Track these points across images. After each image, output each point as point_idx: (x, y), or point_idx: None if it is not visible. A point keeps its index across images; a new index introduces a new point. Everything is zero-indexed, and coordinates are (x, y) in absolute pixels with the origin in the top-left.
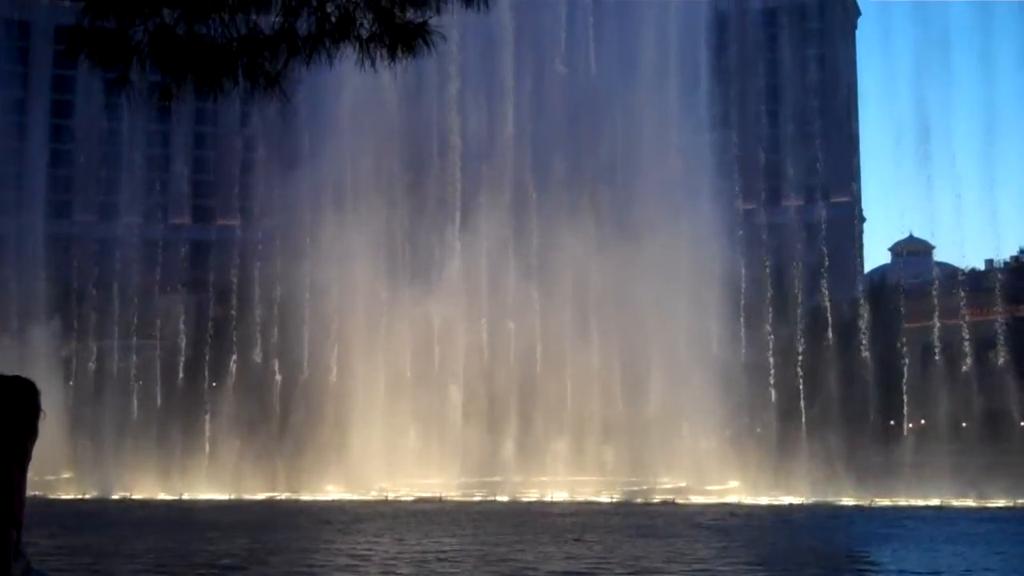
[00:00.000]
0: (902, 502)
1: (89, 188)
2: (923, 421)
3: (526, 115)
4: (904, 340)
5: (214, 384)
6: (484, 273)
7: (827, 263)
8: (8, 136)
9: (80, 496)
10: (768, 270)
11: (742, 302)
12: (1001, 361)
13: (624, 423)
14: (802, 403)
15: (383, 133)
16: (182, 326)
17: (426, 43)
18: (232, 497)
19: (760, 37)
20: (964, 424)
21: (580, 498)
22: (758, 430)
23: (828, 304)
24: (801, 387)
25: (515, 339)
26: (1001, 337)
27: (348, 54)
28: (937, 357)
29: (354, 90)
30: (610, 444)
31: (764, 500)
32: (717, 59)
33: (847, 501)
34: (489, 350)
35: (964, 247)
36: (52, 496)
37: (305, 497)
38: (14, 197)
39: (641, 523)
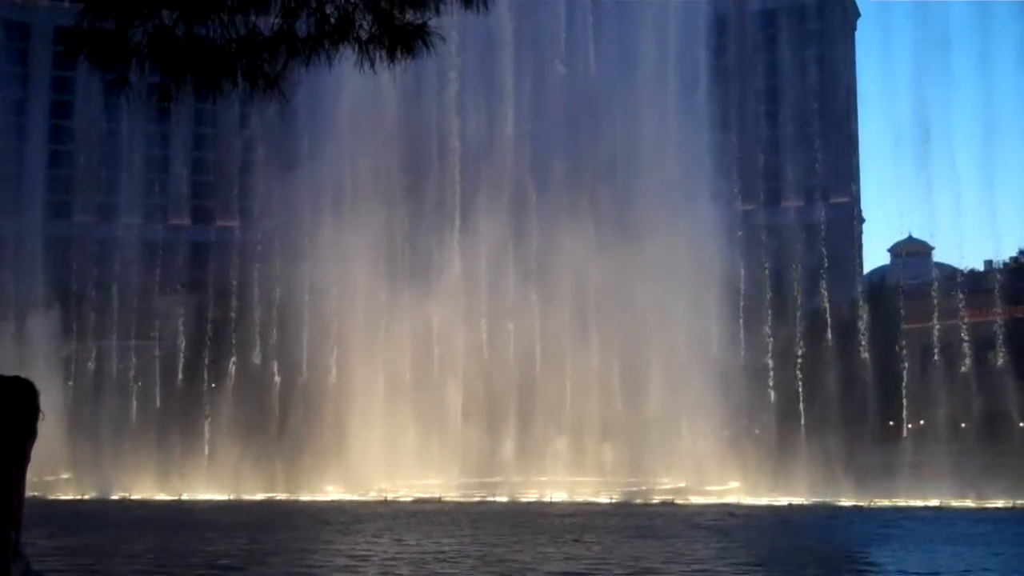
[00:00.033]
0: (901, 503)
1: (88, 189)
2: (922, 422)
3: (525, 116)
4: (903, 341)
5: (213, 385)
6: (483, 274)
7: (826, 264)
8: (8, 137)
9: (79, 497)
10: (767, 271)
11: (741, 303)
12: (1000, 362)
13: (623, 423)
14: (801, 404)
15: (382, 134)
16: (181, 327)
17: (425, 44)
18: (231, 497)
19: (759, 38)
20: (963, 425)
21: (579, 499)
22: (757, 431)
23: (827, 305)
24: (800, 388)
25: (514, 340)
26: (1000, 338)
27: (347, 55)
28: (936, 358)
29: (353, 91)
30: (609, 445)
31: (763, 501)
32: (716, 60)
33: (846, 502)
34: (488, 351)
35: (963, 248)
36: (51, 497)
37: (304, 497)
38: (14, 198)
39: (640, 524)
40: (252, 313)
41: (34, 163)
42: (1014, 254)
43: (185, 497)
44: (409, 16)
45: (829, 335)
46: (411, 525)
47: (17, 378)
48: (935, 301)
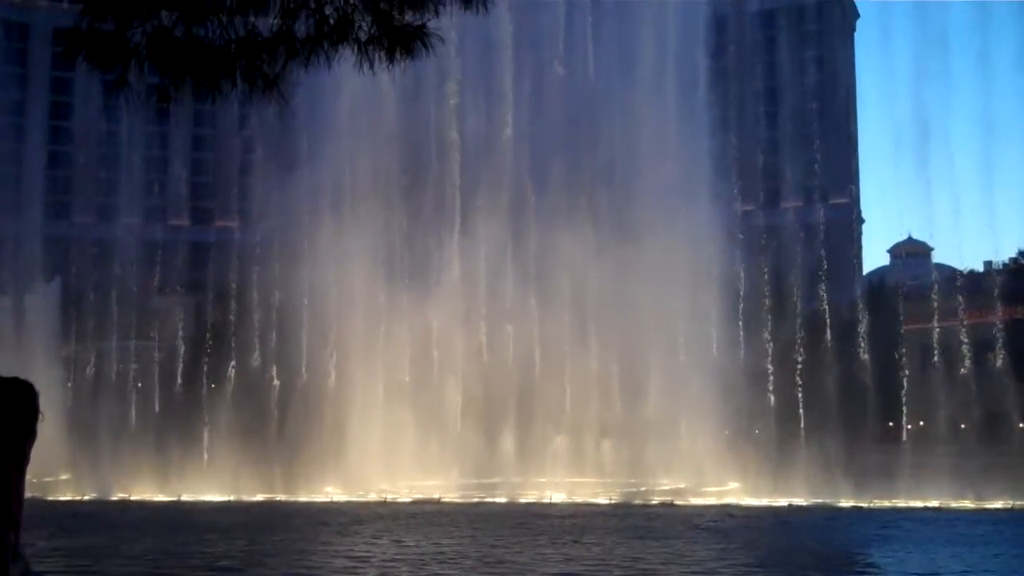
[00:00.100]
0: (901, 504)
1: (88, 189)
2: (922, 423)
3: (524, 117)
4: (903, 342)
5: (213, 385)
6: (482, 276)
7: (826, 265)
8: (7, 137)
9: (78, 497)
10: (767, 272)
11: (740, 304)
12: (1000, 363)
13: (623, 425)
14: (800, 405)
15: (381, 135)
16: (180, 328)
17: (424, 45)
18: (231, 498)
19: (758, 39)
20: (963, 426)
21: (578, 500)
22: (757, 432)
23: (827, 306)
24: (799, 389)
25: (513, 342)
26: (1000, 339)
27: (346, 56)
28: (936, 359)
29: (352, 92)
30: (609, 446)
31: (763, 502)
32: (716, 61)
33: (846, 503)
34: (488, 353)
35: (963, 249)
36: (50, 497)
37: (303, 499)
38: (13, 198)
39: (640, 525)
40: (251, 313)
41: (33, 164)
42: (1013, 255)
43: (184, 498)
44: (408, 17)
45: (828, 336)
46: (410, 526)
47: (16, 379)
48: (935, 302)
